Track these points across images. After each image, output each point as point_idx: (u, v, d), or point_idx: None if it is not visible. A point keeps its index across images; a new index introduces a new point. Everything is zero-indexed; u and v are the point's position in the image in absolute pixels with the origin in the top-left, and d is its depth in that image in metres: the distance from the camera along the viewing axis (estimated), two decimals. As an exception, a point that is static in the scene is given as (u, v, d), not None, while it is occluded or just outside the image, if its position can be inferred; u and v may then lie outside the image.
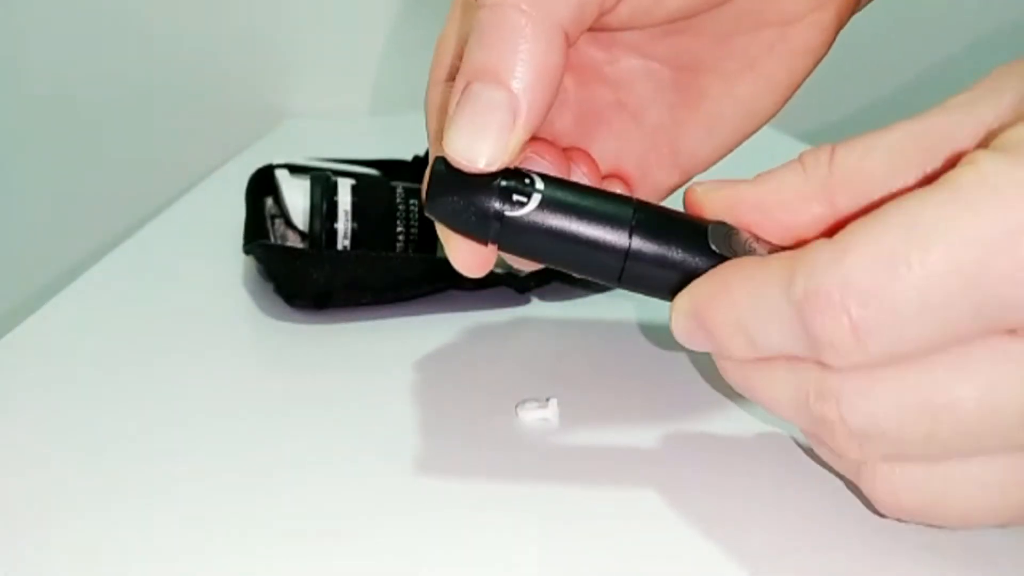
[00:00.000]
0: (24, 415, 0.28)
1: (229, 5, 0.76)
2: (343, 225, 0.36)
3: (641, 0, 0.24)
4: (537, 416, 0.27)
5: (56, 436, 0.26)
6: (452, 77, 0.25)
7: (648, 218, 0.22)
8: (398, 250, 0.37)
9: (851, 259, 0.17)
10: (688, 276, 0.21)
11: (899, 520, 0.21)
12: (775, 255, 0.19)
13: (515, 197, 0.21)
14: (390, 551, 0.21)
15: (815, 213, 0.21)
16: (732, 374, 0.21)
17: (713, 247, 0.21)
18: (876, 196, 0.20)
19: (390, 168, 0.44)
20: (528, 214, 0.21)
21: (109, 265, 0.41)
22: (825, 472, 0.24)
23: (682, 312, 0.21)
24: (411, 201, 0.37)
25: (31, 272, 0.77)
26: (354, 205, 0.36)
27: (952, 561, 0.20)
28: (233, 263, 0.39)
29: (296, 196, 0.38)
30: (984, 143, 0.18)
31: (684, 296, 0.21)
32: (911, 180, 0.19)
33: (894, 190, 0.19)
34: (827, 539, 0.21)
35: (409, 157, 0.47)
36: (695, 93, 0.27)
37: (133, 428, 0.27)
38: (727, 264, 0.21)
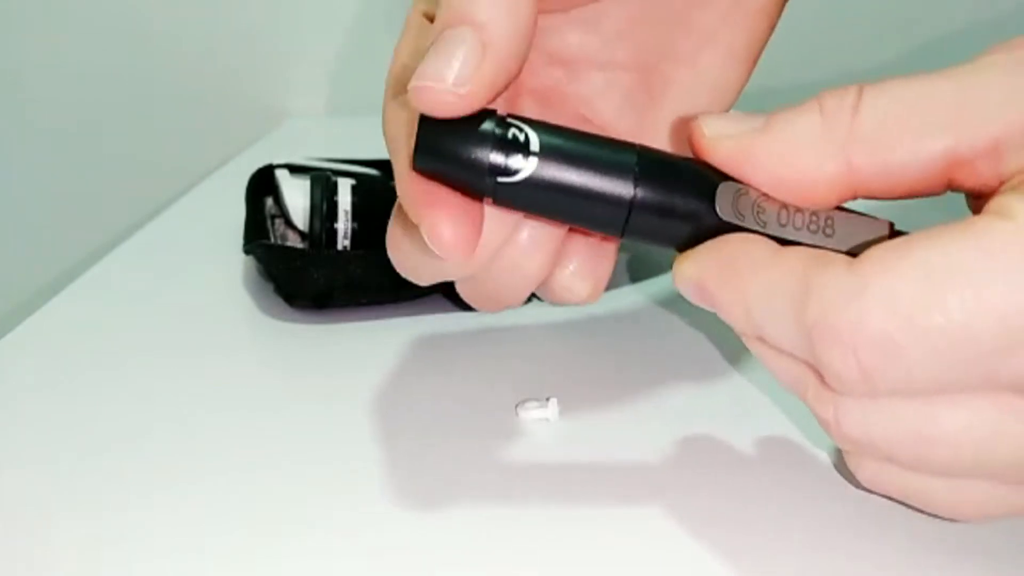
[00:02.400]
0: (24, 415, 0.28)
1: (229, 5, 0.76)
2: (343, 225, 0.36)
3: None
4: (537, 416, 0.27)
5: (56, 436, 0.26)
6: None
7: (652, 168, 0.21)
8: (398, 250, 0.37)
9: (867, 303, 0.17)
10: (694, 231, 0.21)
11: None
12: (790, 251, 0.19)
13: (511, 144, 0.20)
14: (389, 550, 0.21)
15: (828, 171, 0.19)
16: (740, 334, 0.21)
17: (719, 213, 0.21)
18: (897, 162, 0.19)
19: (390, 168, 0.44)
20: (527, 162, 0.20)
21: (109, 265, 0.41)
22: (829, 475, 0.24)
23: (685, 278, 0.21)
24: (411, 201, 0.37)
25: (31, 272, 0.77)
26: (354, 205, 0.36)
27: (963, 562, 0.21)
28: (233, 263, 0.39)
29: (296, 196, 0.38)
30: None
31: (689, 264, 0.21)
32: (936, 150, 0.18)
33: (916, 159, 0.18)
34: (831, 540, 0.21)
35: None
36: (660, 85, 0.26)
37: (133, 428, 0.27)
38: (735, 242, 0.20)
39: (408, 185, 0.22)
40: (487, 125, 0.20)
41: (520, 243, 0.25)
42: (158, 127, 0.78)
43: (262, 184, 0.41)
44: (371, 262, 0.35)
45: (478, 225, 0.22)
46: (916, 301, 0.16)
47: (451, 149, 0.20)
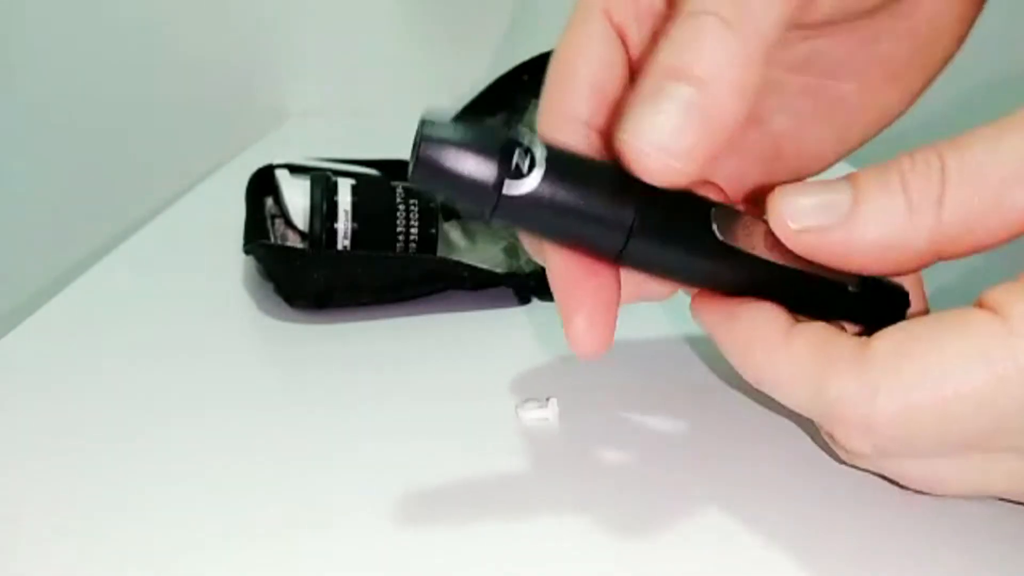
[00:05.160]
0: (24, 415, 0.28)
1: (230, 5, 0.76)
2: (343, 225, 0.36)
3: None
4: (537, 416, 0.27)
5: (56, 436, 0.26)
6: (596, 118, 0.22)
7: (652, 199, 0.20)
8: (398, 250, 0.37)
9: (879, 403, 0.19)
10: (691, 262, 0.21)
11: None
12: (799, 336, 0.20)
13: (516, 162, 0.19)
14: (389, 550, 0.21)
15: (917, 256, 0.20)
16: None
17: (719, 236, 0.20)
18: (984, 238, 0.19)
19: (390, 168, 0.44)
20: (530, 181, 0.19)
21: (109, 265, 0.41)
22: (830, 471, 0.24)
23: (701, 323, 0.23)
24: (411, 201, 0.37)
25: (31, 272, 0.77)
26: (354, 205, 0.36)
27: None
28: (233, 263, 0.39)
29: (296, 196, 0.38)
30: None
31: (703, 321, 0.23)
32: (1016, 217, 0.18)
33: (1002, 230, 0.19)
34: (832, 539, 0.21)
35: (409, 157, 0.47)
36: (829, 100, 0.25)
37: (133, 428, 0.27)
38: (746, 317, 0.21)
39: (556, 280, 0.22)
40: (496, 144, 0.19)
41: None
42: (158, 127, 0.78)
43: (262, 184, 0.41)
44: (371, 262, 0.35)
45: (612, 328, 0.22)
46: (922, 398, 0.18)
47: (456, 170, 0.19)
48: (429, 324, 0.34)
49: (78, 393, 0.29)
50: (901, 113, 0.26)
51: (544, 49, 0.49)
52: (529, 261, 0.38)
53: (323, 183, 0.36)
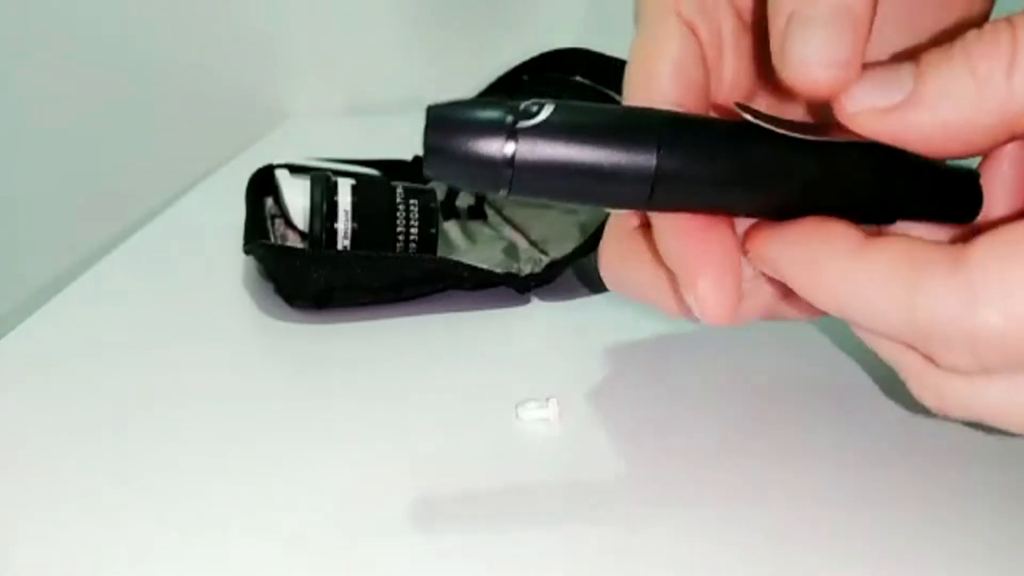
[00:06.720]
0: (24, 416, 0.28)
1: (229, 5, 0.76)
2: (343, 225, 0.36)
3: None
4: (537, 416, 0.27)
5: (57, 435, 0.26)
6: (684, 98, 0.22)
7: (676, 126, 0.19)
8: (398, 250, 0.37)
9: (982, 311, 0.17)
10: (728, 182, 0.19)
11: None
12: (880, 247, 0.18)
13: (524, 107, 0.19)
14: (389, 550, 0.21)
15: (988, 132, 0.18)
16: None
17: (753, 120, 0.19)
18: None
19: (390, 168, 0.44)
20: (542, 115, 0.18)
21: (109, 265, 0.41)
22: (834, 468, 0.24)
23: (762, 262, 0.20)
24: (411, 201, 0.37)
25: (31, 272, 0.77)
26: (354, 205, 0.36)
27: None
28: (233, 263, 0.39)
29: (296, 196, 0.38)
30: None
31: (763, 248, 0.20)
32: None
33: None
34: (833, 543, 0.21)
35: (409, 157, 0.47)
36: (914, 7, 0.24)
37: (133, 427, 0.27)
38: (813, 232, 0.19)
39: (671, 238, 0.21)
40: (503, 116, 0.19)
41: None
42: (158, 127, 0.78)
43: (262, 184, 0.41)
44: (371, 262, 0.35)
45: (740, 289, 0.21)
46: None
47: (466, 152, 0.18)
48: (429, 324, 0.34)
49: (78, 393, 0.29)
50: (983, 16, 0.25)
51: (544, 49, 0.50)
52: (528, 261, 0.38)
53: (323, 183, 0.36)
